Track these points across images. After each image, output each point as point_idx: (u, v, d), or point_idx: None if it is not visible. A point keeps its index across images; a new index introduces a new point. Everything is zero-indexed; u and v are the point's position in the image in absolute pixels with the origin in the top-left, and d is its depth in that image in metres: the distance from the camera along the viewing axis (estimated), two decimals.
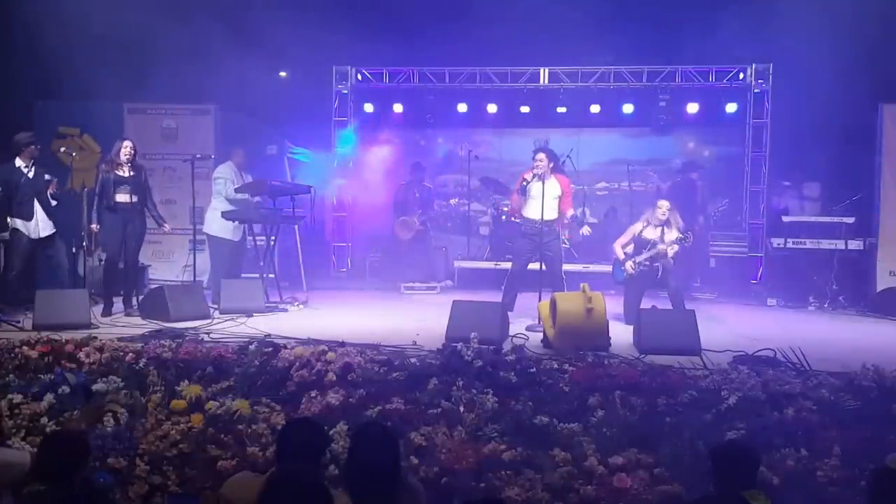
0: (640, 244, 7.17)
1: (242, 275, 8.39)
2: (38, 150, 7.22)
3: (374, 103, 11.19)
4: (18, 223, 7.06)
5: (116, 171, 6.93)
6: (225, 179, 8.18)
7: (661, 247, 6.97)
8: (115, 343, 5.41)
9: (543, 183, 6.77)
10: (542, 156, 6.89)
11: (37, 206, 7.11)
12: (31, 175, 7.08)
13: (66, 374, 5.01)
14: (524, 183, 6.88)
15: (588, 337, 5.51)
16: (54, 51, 8.54)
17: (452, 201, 11.49)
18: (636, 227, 7.31)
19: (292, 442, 3.20)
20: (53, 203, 7.27)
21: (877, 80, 8.93)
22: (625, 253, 7.22)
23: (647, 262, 7.06)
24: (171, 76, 9.25)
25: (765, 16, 9.23)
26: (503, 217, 9.94)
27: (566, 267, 7.51)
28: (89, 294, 6.77)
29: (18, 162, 7.04)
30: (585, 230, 7.72)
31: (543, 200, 6.75)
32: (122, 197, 6.93)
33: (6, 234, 7.15)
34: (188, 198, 7.92)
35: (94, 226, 7.07)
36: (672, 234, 7.07)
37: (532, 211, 6.99)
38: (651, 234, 7.17)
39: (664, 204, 7.21)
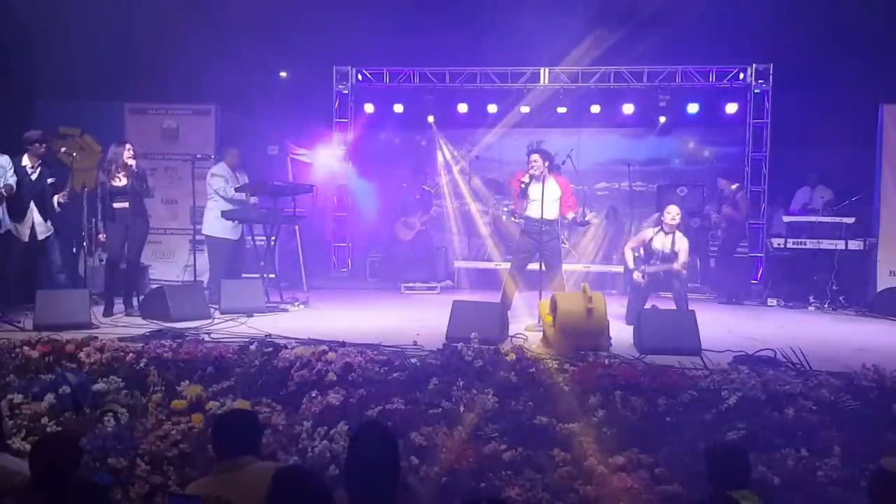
0: (649, 251, 7.22)
1: (242, 275, 8.38)
2: (45, 149, 7.16)
3: (374, 103, 11.18)
4: (10, 224, 6.99)
5: (112, 181, 6.88)
6: (225, 180, 8.17)
7: (675, 267, 6.98)
8: (115, 343, 5.42)
9: (543, 184, 6.76)
10: (536, 157, 6.84)
11: (32, 209, 7.03)
12: (34, 177, 7.03)
13: (67, 374, 5.01)
14: (522, 186, 6.85)
15: (588, 337, 5.50)
16: (54, 51, 8.54)
17: (454, 205, 11.48)
18: (646, 234, 7.34)
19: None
20: (57, 209, 7.20)
21: (877, 80, 8.92)
22: (634, 256, 7.27)
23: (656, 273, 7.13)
24: (172, 76, 9.26)
25: (765, 16, 9.24)
26: (504, 217, 9.94)
27: (566, 267, 7.50)
28: (90, 294, 6.76)
29: (25, 161, 6.97)
30: (592, 217, 7.49)
31: (543, 202, 6.74)
32: (119, 204, 6.92)
33: (1, 231, 7.07)
34: (189, 198, 7.92)
35: (101, 236, 7.08)
36: (681, 243, 7.09)
37: (533, 211, 6.98)
38: (660, 243, 7.18)
39: (674, 209, 7.24)
